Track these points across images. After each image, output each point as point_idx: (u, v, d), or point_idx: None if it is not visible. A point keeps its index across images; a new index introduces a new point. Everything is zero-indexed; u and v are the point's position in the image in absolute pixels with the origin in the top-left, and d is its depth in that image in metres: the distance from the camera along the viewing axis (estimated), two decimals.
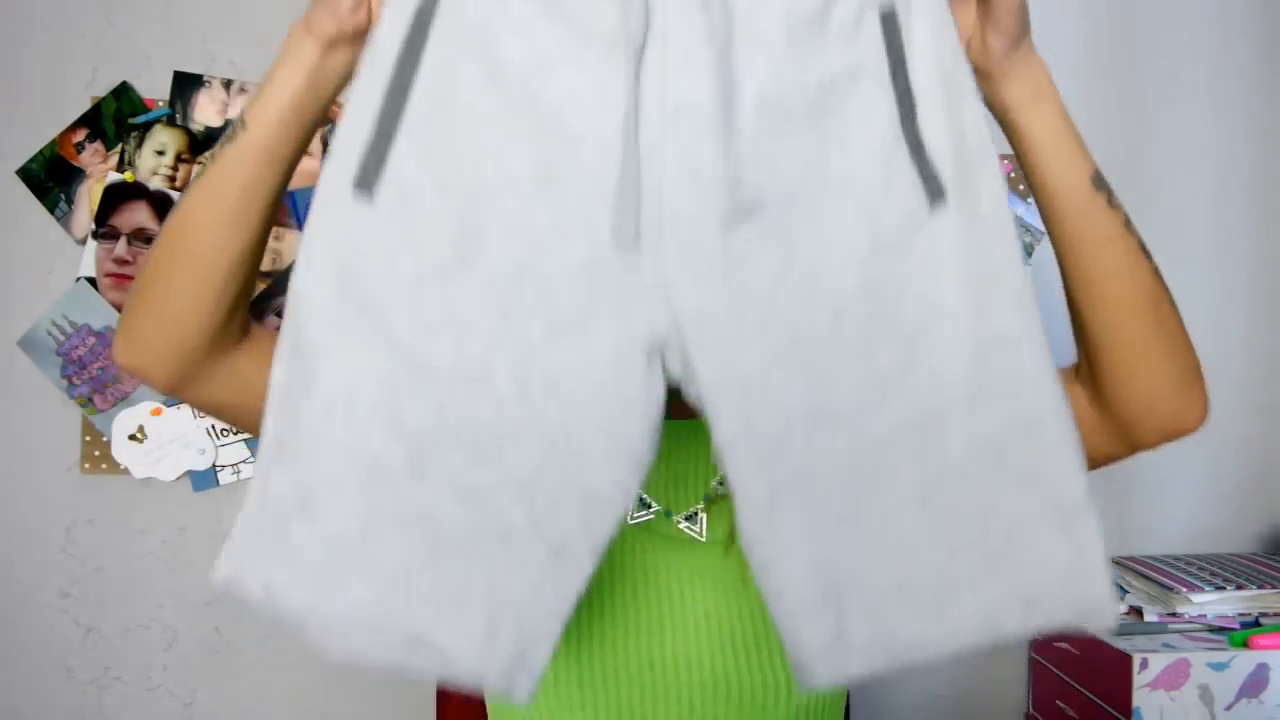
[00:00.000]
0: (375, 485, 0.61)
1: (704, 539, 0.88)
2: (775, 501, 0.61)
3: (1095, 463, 0.73)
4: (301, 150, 0.69)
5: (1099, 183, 0.68)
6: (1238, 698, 1.47)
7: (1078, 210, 0.68)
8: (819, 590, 0.61)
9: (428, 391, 0.60)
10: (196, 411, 1.72)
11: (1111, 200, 0.69)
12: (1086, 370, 0.74)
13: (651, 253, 0.59)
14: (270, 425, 0.62)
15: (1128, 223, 0.70)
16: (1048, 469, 0.63)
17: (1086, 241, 0.68)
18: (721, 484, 0.91)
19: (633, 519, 0.89)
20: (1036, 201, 0.70)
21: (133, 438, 1.70)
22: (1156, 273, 0.71)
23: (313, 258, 0.62)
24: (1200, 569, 1.69)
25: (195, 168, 1.71)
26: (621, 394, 0.61)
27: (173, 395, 0.74)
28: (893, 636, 0.62)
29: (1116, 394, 0.73)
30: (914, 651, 0.63)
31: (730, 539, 0.88)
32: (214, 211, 0.68)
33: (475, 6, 0.59)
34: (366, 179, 0.61)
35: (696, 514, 0.90)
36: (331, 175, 0.61)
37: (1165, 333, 0.71)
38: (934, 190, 0.62)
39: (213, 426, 1.72)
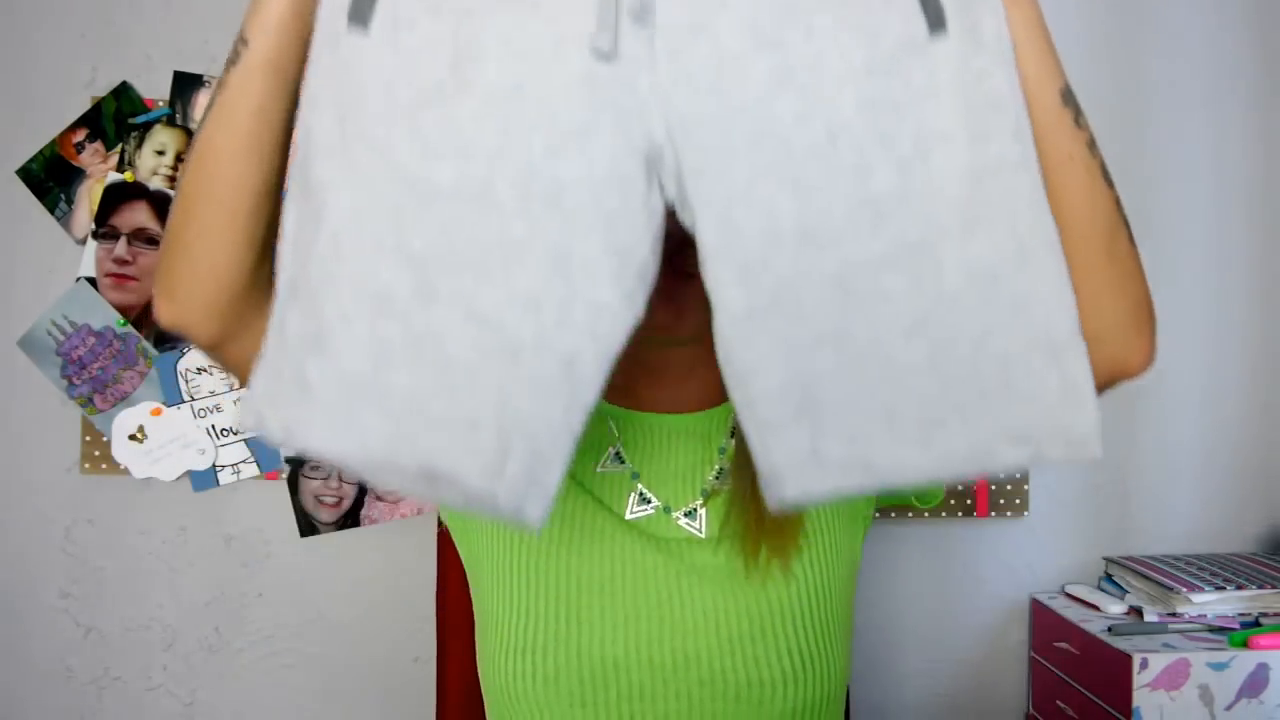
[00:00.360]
0: (385, 314, 0.61)
1: (703, 535, 0.89)
2: (754, 314, 0.61)
3: None
4: (305, 61, 0.68)
5: (1068, 98, 0.68)
6: (1238, 698, 1.47)
7: (1043, 121, 0.67)
8: (792, 406, 0.61)
9: (432, 215, 0.61)
10: (199, 411, 1.72)
11: (1079, 119, 0.68)
12: None
13: (646, 63, 0.60)
14: (284, 269, 0.64)
15: (1092, 144, 0.69)
16: (1040, 300, 0.62)
17: (1049, 156, 0.67)
18: (719, 478, 0.91)
19: (631, 516, 0.89)
20: None
21: (133, 438, 1.70)
22: (1118, 202, 0.71)
23: (315, 97, 0.63)
24: (1200, 569, 1.69)
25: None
26: (623, 204, 0.61)
27: (215, 354, 0.74)
28: (872, 460, 0.62)
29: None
30: (894, 476, 0.62)
31: (724, 534, 0.88)
32: (229, 140, 0.68)
33: None
34: (360, 11, 0.61)
35: (695, 510, 0.90)
36: (327, 13, 0.62)
37: (1120, 264, 0.71)
38: (934, 18, 0.61)
39: (213, 427, 1.72)
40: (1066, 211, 0.68)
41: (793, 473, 0.61)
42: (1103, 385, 0.74)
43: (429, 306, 0.61)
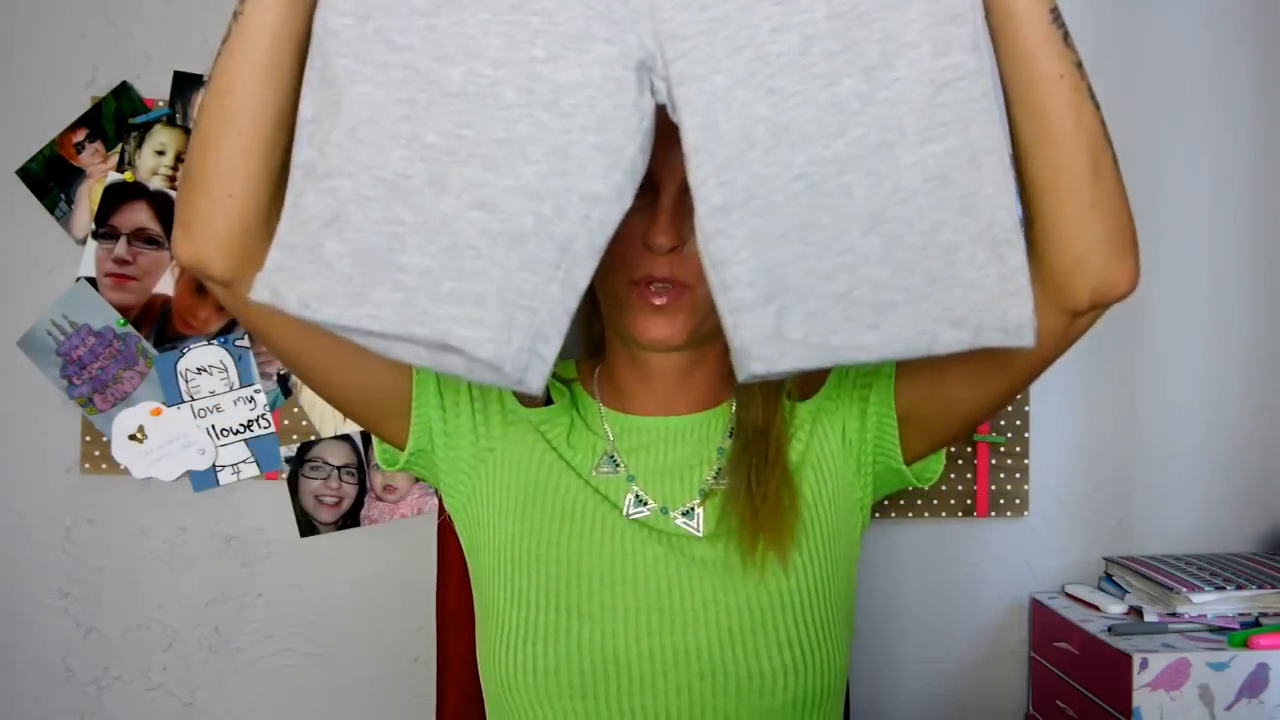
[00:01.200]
0: (399, 199, 0.67)
1: (700, 533, 0.89)
2: (729, 207, 0.67)
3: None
4: None
5: (1057, 18, 0.70)
6: (1238, 698, 1.47)
7: (1035, 39, 0.70)
8: (763, 290, 0.67)
9: (445, 111, 0.67)
10: (199, 411, 1.72)
11: (1067, 39, 0.71)
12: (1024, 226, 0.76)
13: None
14: (300, 154, 0.69)
15: (1080, 64, 0.71)
16: (986, 199, 0.67)
17: (1040, 73, 0.70)
18: (717, 478, 0.91)
19: (630, 515, 0.90)
20: (993, 31, 0.71)
21: (133, 438, 1.70)
22: (1103, 122, 0.73)
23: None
24: (1200, 569, 1.69)
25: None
26: (615, 107, 0.67)
27: (229, 294, 0.76)
28: (829, 340, 0.68)
29: (1050, 245, 0.75)
30: (848, 354, 0.68)
31: (720, 530, 0.88)
32: (246, 67, 0.71)
33: None
34: None
35: (693, 509, 0.90)
36: None
37: (1104, 183, 0.73)
38: None
39: (213, 427, 1.72)
40: (1055, 128, 0.71)
41: (759, 350, 0.68)
42: (1091, 307, 0.76)
43: (440, 193, 0.67)
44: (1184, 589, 1.58)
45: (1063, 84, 0.70)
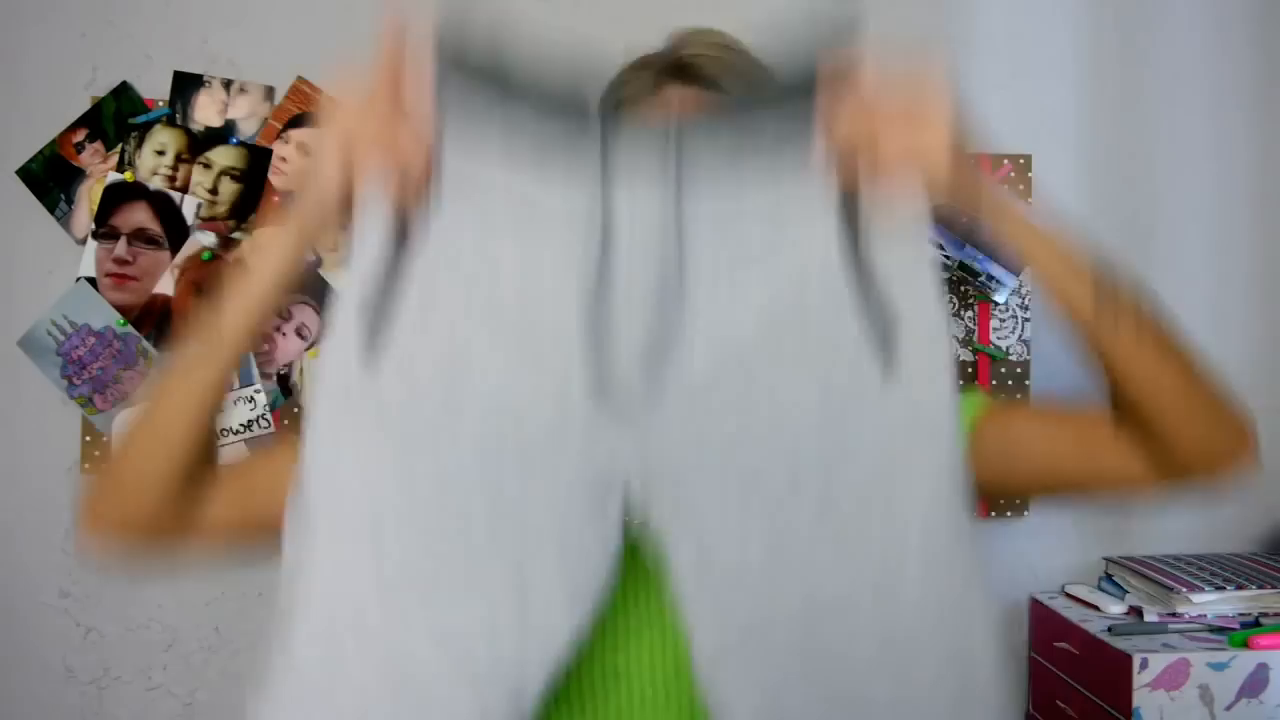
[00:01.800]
0: (355, 634, 0.65)
1: None
2: (727, 649, 0.65)
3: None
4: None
5: (1100, 288, 0.69)
6: (1238, 698, 1.47)
7: (1095, 334, 0.70)
8: None
9: (410, 527, 0.65)
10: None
11: (1118, 296, 0.70)
12: (1138, 434, 0.74)
13: (617, 411, 0.63)
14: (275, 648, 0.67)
15: (1138, 309, 0.70)
16: (980, 620, 0.66)
17: (1117, 360, 0.70)
18: None
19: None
20: (1056, 319, 0.72)
21: None
22: (1186, 349, 0.72)
23: (321, 425, 0.68)
24: (1200, 569, 1.69)
25: (195, 169, 1.71)
26: (581, 531, 0.64)
27: (142, 555, 0.79)
28: None
29: (1157, 450, 0.75)
30: None
31: None
32: (183, 415, 0.75)
33: (451, 221, 0.64)
34: (371, 357, 0.65)
35: None
36: (337, 364, 0.67)
37: (1200, 393, 0.73)
38: (887, 365, 0.64)
39: None
40: (1149, 388, 0.71)
41: None
42: (1218, 481, 0.78)
43: (395, 628, 0.64)
44: (1184, 589, 1.58)
45: (1142, 352, 0.70)
